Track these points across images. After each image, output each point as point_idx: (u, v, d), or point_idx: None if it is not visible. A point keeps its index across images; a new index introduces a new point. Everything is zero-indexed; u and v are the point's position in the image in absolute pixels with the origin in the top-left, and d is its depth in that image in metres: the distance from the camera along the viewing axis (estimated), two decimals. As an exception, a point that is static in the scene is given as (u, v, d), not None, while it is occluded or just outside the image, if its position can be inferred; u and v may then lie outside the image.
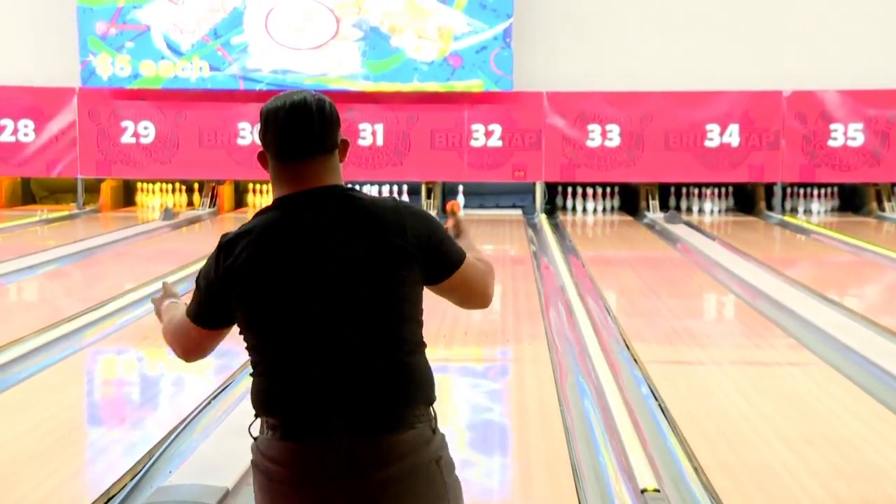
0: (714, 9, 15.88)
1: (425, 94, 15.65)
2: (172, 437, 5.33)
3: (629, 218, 15.66)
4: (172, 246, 12.96)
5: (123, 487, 4.68)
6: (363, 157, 15.67)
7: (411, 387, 2.69)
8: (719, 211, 16.20)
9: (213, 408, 5.86)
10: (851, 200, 16.27)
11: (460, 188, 16.17)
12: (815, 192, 16.15)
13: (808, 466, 4.93)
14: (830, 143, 15.64)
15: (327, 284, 2.63)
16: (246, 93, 15.68)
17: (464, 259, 2.84)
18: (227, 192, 16.35)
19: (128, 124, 15.94)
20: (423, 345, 2.76)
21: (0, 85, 16.02)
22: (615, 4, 15.96)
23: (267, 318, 2.67)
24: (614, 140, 15.75)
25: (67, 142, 15.95)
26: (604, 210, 16.22)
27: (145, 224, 14.76)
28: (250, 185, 16.61)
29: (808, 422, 5.68)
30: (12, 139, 16.03)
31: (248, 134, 15.84)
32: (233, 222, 15.18)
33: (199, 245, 12.82)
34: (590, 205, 16.23)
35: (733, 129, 15.66)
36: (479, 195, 16.14)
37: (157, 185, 16.54)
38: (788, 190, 16.06)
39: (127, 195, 16.79)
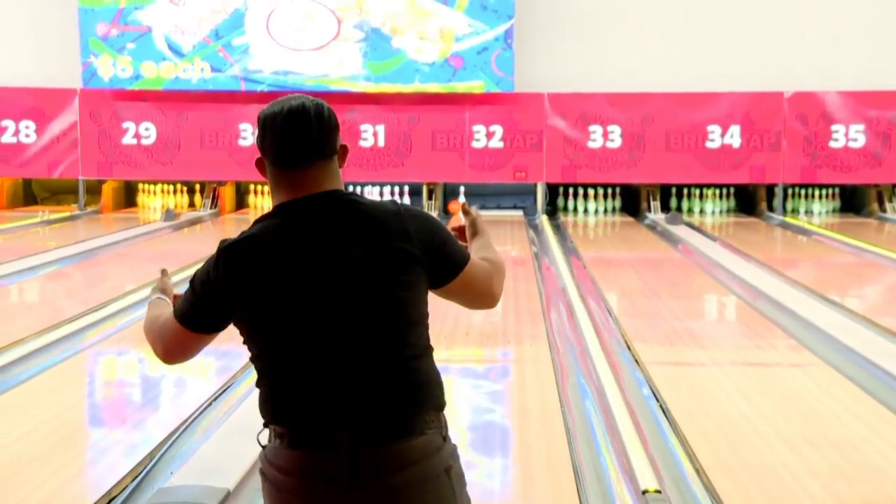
0: (715, 10, 15.88)
1: (426, 96, 15.66)
2: (173, 438, 5.33)
3: (630, 219, 15.66)
4: (174, 247, 12.97)
5: (125, 489, 4.68)
6: (364, 158, 15.68)
7: (419, 391, 2.65)
8: (720, 212, 16.20)
9: (215, 409, 5.86)
10: (852, 201, 16.27)
11: (461, 189, 16.18)
12: (817, 193, 16.15)
13: (809, 467, 4.93)
14: (832, 144, 15.64)
15: (327, 285, 2.61)
16: (247, 94, 15.69)
17: (468, 260, 2.81)
18: (228, 194, 16.35)
19: (129, 125, 15.94)
20: (431, 349, 2.73)
21: (1, 86, 16.03)
22: (616, 5, 15.96)
23: (269, 323, 2.63)
24: (615, 141, 15.75)
25: (69, 143, 15.96)
26: (605, 211, 16.22)
27: (146, 225, 14.76)
28: (251, 187, 16.61)
29: (809, 422, 5.67)
30: (14, 140, 16.04)
31: (250, 135, 15.84)
32: (234, 223, 15.18)
33: (201, 246, 12.82)
34: (591, 206, 16.23)
35: (734, 130, 15.66)
36: (481, 196, 16.13)
37: (159, 187, 16.54)
38: (789, 191, 16.06)
39: (128, 196, 16.79)
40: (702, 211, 16.17)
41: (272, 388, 2.66)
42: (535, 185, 15.96)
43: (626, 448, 5.10)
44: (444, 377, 2.74)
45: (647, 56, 15.85)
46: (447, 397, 2.75)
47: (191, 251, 11.72)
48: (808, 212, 16.05)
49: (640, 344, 7.39)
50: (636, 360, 6.94)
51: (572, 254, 11.97)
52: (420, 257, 2.67)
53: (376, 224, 2.66)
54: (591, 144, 15.77)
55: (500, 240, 12.95)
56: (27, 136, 16.02)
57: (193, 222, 15.20)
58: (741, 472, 4.87)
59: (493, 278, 2.91)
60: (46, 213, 15.44)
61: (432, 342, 2.75)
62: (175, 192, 16.50)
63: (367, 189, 15.77)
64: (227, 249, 2.67)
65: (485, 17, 15.38)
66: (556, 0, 15.94)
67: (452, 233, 3.17)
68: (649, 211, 15.69)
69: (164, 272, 3.14)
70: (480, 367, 6.97)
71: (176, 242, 13.42)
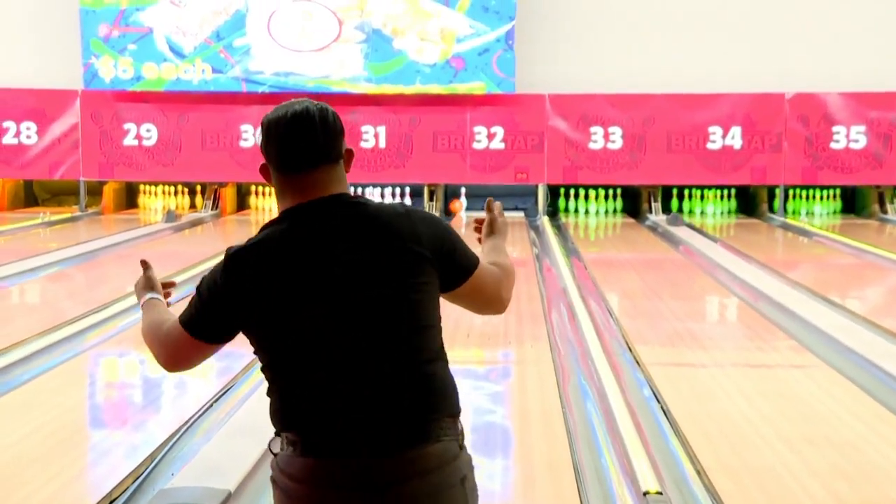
0: (716, 11, 15.89)
1: (428, 97, 15.66)
2: (175, 439, 5.33)
3: (631, 220, 15.66)
4: (175, 248, 12.97)
5: (125, 490, 4.68)
6: (365, 159, 15.67)
7: (433, 397, 2.60)
8: (721, 213, 16.20)
9: (216, 410, 5.86)
10: (853, 203, 16.27)
11: (462, 190, 16.19)
12: (818, 194, 16.15)
13: (810, 468, 4.93)
14: (833, 145, 15.64)
15: (333, 289, 2.56)
16: (248, 95, 15.69)
17: (477, 264, 2.78)
18: (229, 195, 16.36)
19: (130, 126, 15.95)
20: (445, 354, 2.67)
21: (2, 87, 16.04)
22: (617, 7, 15.97)
23: (277, 330, 2.59)
24: (616, 142, 15.75)
25: (70, 144, 15.96)
26: (606, 212, 16.23)
27: (148, 226, 14.76)
28: (253, 188, 16.63)
29: (810, 423, 5.67)
30: (15, 141, 16.04)
31: (251, 136, 15.84)
32: (235, 225, 15.19)
33: (202, 247, 12.83)
34: (592, 207, 16.23)
35: (735, 131, 15.66)
36: (482, 197, 16.09)
37: (160, 188, 16.55)
38: (790, 192, 16.06)
39: (129, 197, 16.80)
40: (703, 212, 16.17)
41: (283, 395, 2.62)
42: (537, 187, 15.96)
43: (627, 449, 5.10)
44: (444, 378, 2.72)
45: (648, 57, 15.85)
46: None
47: (192, 252, 11.72)
48: (809, 213, 16.05)
49: (642, 345, 7.39)
50: (637, 362, 6.94)
51: (573, 255, 11.98)
52: (431, 259, 2.64)
53: (384, 226, 2.62)
54: (592, 145, 15.78)
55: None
56: (28, 137, 16.02)
57: (194, 223, 15.20)
58: (742, 473, 4.87)
59: (503, 283, 2.88)
60: (47, 214, 15.44)
61: (433, 342, 2.70)
62: (176, 193, 16.50)
63: (369, 190, 15.78)
64: (234, 256, 2.63)
65: (486, 19, 15.38)
66: (557, 1, 15.94)
67: (473, 224, 3.13)
68: (650, 212, 15.69)
69: (145, 265, 3.05)
70: (481, 369, 6.97)
71: (177, 244, 13.42)
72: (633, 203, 16.30)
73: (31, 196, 16.97)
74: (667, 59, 15.82)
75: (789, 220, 15.35)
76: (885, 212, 15.66)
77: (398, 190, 16.07)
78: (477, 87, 15.52)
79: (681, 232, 13.84)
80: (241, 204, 16.65)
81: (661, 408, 5.89)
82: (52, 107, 15.94)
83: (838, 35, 15.76)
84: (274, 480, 2.64)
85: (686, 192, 16.19)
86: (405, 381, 2.57)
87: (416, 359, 2.60)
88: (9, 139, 16.04)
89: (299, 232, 2.61)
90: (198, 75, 15.64)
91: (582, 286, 9.73)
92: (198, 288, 2.69)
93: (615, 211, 16.25)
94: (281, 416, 2.62)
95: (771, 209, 15.91)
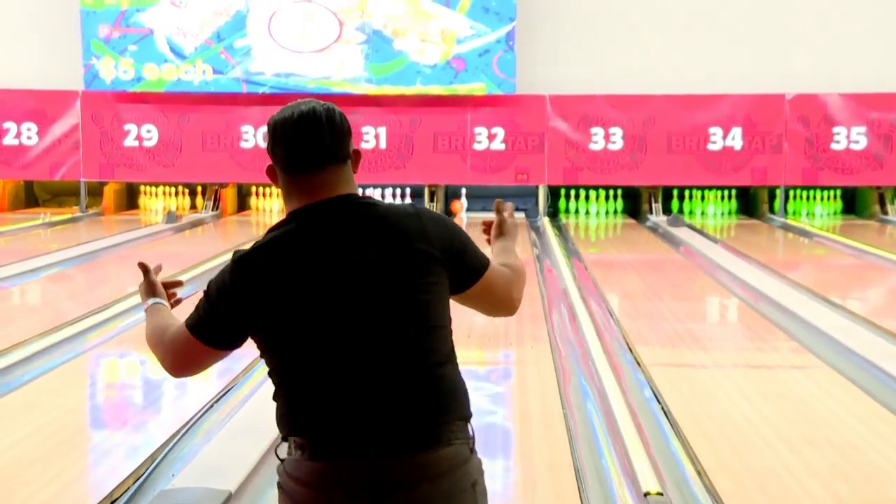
0: (716, 11, 15.88)
1: (428, 98, 15.66)
2: (175, 440, 5.33)
3: (632, 221, 15.65)
4: (175, 249, 12.97)
5: (126, 491, 4.68)
6: (366, 160, 15.51)
7: (444, 400, 2.58)
8: (722, 214, 16.20)
9: (216, 411, 5.86)
10: (854, 203, 16.27)
11: (463, 191, 16.19)
12: (818, 195, 16.15)
13: (811, 468, 4.93)
14: (833, 146, 15.64)
15: (340, 290, 2.54)
16: (249, 96, 15.69)
17: (488, 265, 2.76)
18: (230, 196, 16.36)
19: (131, 127, 15.95)
20: (455, 356, 2.65)
21: (3, 88, 16.03)
22: (618, 8, 15.97)
23: (285, 332, 2.56)
24: (617, 143, 15.74)
25: (70, 145, 15.96)
26: (606, 213, 16.22)
27: (148, 227, 14.76)
28: (253, 189, 16.63)
29: (811, 424, 5.67)
30: (15, 142, 16.04)
31: (252, 137, 15.85)
32: (236, 225, 15.19)
33: (203, 248, 12.84)
34: (592, 208, 16.23)
35: (736, 132, 15.66)
36: (482, 198, 16.12)
37: (160, 189, 16.54)
38: (791, 193, 16.05)
39: (130, 198, 16.79)
40: (703, 213, 16.16)
41: (290, 398, 2.59)
42: (537, 187, 15.96)
43: (627, 450, 5.10)
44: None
45: (649, 58, 15.85)
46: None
47: (193, 253, 11.72)
48: (810, 214, 16.04)
49: (642, 346, 7.39)
50: (638, 362, 6.94)
51: (574, 255, 11.98)
52: (441, 259, 2.61)
53: (392, 226, 2.60)
54: (592, 146, 15.77)
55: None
56: (29, 138, 16.02)
57: (195, 224, 15.20)
58: (743, 474, 4.87)
59: (514, 284, 2.85)
60: (48, 215, 15.44)
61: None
62: (177, 194, 16.50)
63: (369, 191, 15.76)
64: (242, 259, 2.60)
65: (486, 20, 15.38)
66: (557, 2, 15.94)
67: (480, 225, 3.11)
68: (651, 213, 15.69)
69: (145, 270, 3.00)
70: (482, 369, 6.97)
71: (177, 244, 13.42)
72: (633, 204, 16.31)
73: (31, 197, 16.97)
74: (667, 60, 15.82)
75: (790, 221, 15.35)
76: (885, 213, 15.65)
77: (398, 191, 16.07)
78: (477, 87, 15.52)
79: (681, 233, 13.84)
80: (242, 205, 16.65)
81: (662, 409, 5.89)
82: (52, 108, 15.94)
83: (839, 36, 15.76)
84: (280, 486, 2.61)
85: (686, 192, 16.19)
86: (414, 382, 2.54)
87: (426, 360, 2.57)
88: (9, 140, 16.04)
89: (307, 233, 2.59)
90: (198, 76, 15.64)
91: (582, 287, 9.73)
92: (205, 292, 2.66)
93: (616, 212, 16.25)
94: (288, 419, 2.60)
95: (771, 210, 15.91)
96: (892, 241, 13.89)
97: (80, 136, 15.93)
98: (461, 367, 2.74)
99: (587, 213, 16.20)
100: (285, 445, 2.62)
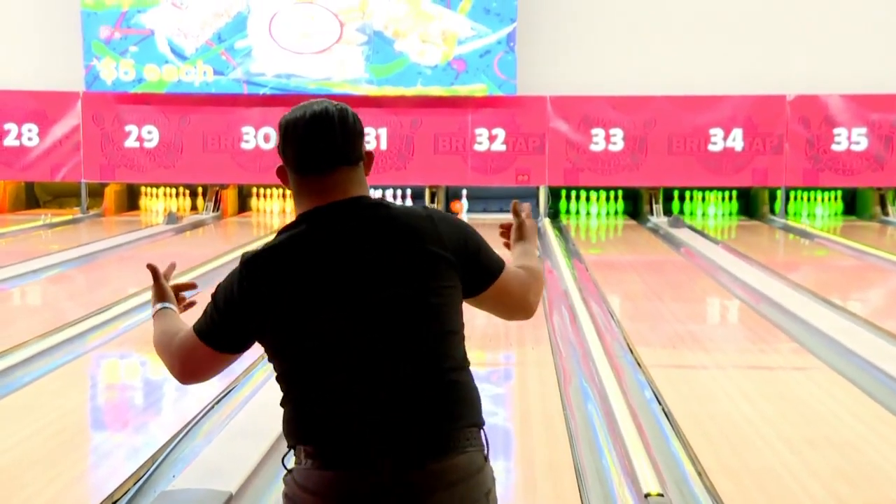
0: (717, 13, 15.88)
1: (429, 99, 15.66)
2: (176, 441, 5.33)
3: (633, 222, 15.66)
4: (176, 250, 12.96)
5: (127, 492, 4.68)
6: (367, 161, 15.64)
7: (459, 406, 2.52)
8: (722, 215, 16.19)
9: (217, 412, 5.86)
10: (854, 204, 16.27)
11: (464, 192, 16.19)
12: (819, 196, 16.14)
13: (811, 469, 4.93)
14: (834, 147, 15.64)
15: (350, 292, 2.48)
16: (250, 97, 15.69)
17: (503, 268, 2.70)
18: (230, 197, 16.36)
19: (132, 128, 15.95)
20: (468, 362, 2.59)
21: (4, 89, 16.04)
22: (618, 9, 15.97)
23: (295, 335, 2.50)
24: (618, 144, 15.75)
25: (71, 146, 15.97)
26: (607, 214, 16.23)
27: (149, 228, 14.76)
28: (254, 190, 16.62)
29: (811, 425, 5.67)
30: (16, 143, 16.05)
31: (252, 138, 15.85)
32: (236, 226, 15.19)
33: (203, 249, 12.83)
34: (593, 209, 16.23)
35: (737, 133, 15.66)
36: (483, 199, 16.13)
37: (161, 190, 16.55)
38: (792, 194, 16.05)
39: (130, 199, 16.80)
40: (704, 214, 16.16)
41: (299, 404, 2.53)
42: (538, 188, 15.96)
43: (628, 451, 5.10)
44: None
45: (650, 59, 15.85)
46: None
47: (193, 254, 11.72)
48: (811, 215, 16.04)
49: (643, 347, 7.39)
50: (638, 363, 6.94)
51: (575, 257, 11.98)
52: (454, 262, 2.56)
53: (404, 228, 2.55)
54: (593, 147, 15.78)
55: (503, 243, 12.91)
56: (30, 139, 16.02)
57: (196, 225, 15.21)
58: (743, 475, 4.87)
59: (530, 287, 2.79)
60: (49, 216, 15.44)
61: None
62: (177, 195, 16.51)
63: (369, 192, 15.74)
64: (250, 262, 2.55)
65: (487, 21, 15.38)
66: (558, 3, 15.94)
67: (498, 229, 3.06)
68: (652, 214, 15.69)
69: (154, 273, 2.94)
70: (483, 370, 6.96)
71: (178, 245, 13.42)
72: (634, 205, 16.31)
73: (32, 198, 16.97)
74: (668, 61, 15.82)
75: (790, 222, 15.35)
76: (886, 214, 15.66)
77: (399, 192, 16.07)
78: (478, 88, 15.52)
79: (682, 234, 13.84)
80: (243, 206, 16.65)
81: (663, 409, 5.89)
82: (53, 109, 15.95)
83: (839, 37, 15.76)
84: (287, 496, 2.54)
85: (687, 193, 16.19)
86: (427, 387, 2.49)
87: (438, 365, 2.51)
88: (10, 141, 16.04)
89: (317, 235, 2.54)
90: (199, 77, 15.64)
91: (583, 288, 9.72)
92: (213, 296, 2.61)
93: (616, 213, 16.25)
94: (297, 426, 2.53)
95: (772, 211, 15.91)
96: (893, 243, 13.89)
97: (80, 137, 15.94)
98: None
99: (588, 214, 16.20)
100: (292, 455, 2.56)
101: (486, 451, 2.58)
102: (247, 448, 4.95)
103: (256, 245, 2.65)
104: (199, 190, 16.46)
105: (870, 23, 15.76)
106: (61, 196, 16.81)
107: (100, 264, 11.70)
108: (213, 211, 16.12)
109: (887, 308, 9.53)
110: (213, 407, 5.92)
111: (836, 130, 15.60)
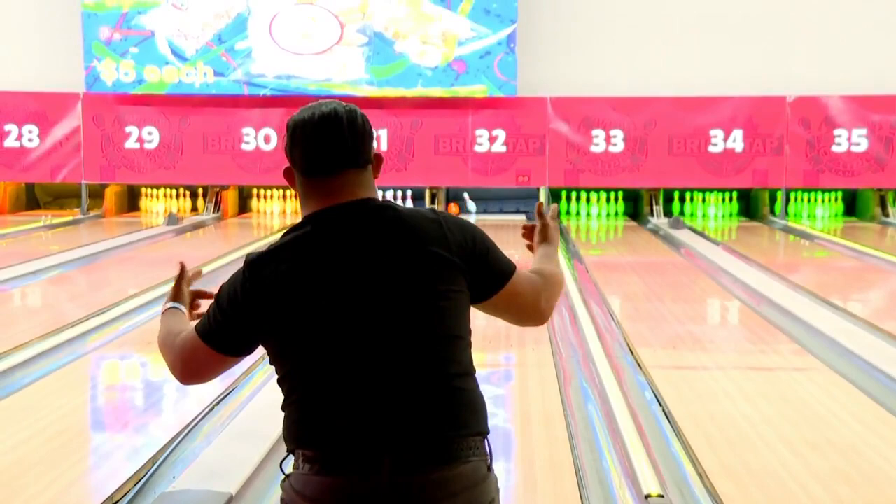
0: (718, 14, 15.89)
1: (429, 100, 15.66)
2: (176, 442, 5.33)
3: (633, 223, 15.66)
4: (176, 251, 12.96)
5: (127, 493, 4.68)
6: (367, 162, 15.64)
7: (463, 414, 2.47)
8: (723, 216, 16.19)
9: (217, 413, 5.85)
10: (855, 206, 16.27)
11: (465, 194, 16.19)
12: (819, 197, 16.14)
13: (812, 471, 4.93)
14: (834, 148, 15.64)
15: (356, 295, 2.44)
16: (250, 98, 15.69)
17: (514, 271, 2.64)
18: (231, 198, 16.36)
19: (132, 129, 15.96)
20: (474, 368, 2.55)
21: (4, 90, 16.04)
22: (619, 10, 15.97)
23: (298, 337, 2.46)
24: (618, 145, 15.75)
25: (72, 147, 15.97)
26: (607, 215, 16.22)
27: (149, 229, 14.77)
28: (254, 191, 16.62)
29: (812, 426, 5.67)
30: (16, 144, 16.05)
31: (252, 139, 15.85)
32: (237, 227, 15.19)
33: (204, 250, 12.83)
34: (593, 210, 16.23)
35: (737, 134, 15.66)
36: (483, 200, 16.14)
37: (161, 191, 16.55)
38: (792, 195, 16.05)
39: (131, 200, 16.79)
40: (704, 215, 16.16)
41: (300, 408, 2.48)
42: (538, 189, 15.96)
43: (628, 452, 5.10)
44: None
45: (650, 60, 15.86)
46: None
47: (194, 255, 11.71)
48: (811, 216, 16.04)
49: (643, 348, 7.39)
50: (639, 364, 6.94)
51: (575, 257, 11.98)
52: (461, 266, 2.51)
53: (411, 231, 2.50)
54: (593, 148, 15.78)
55: (503, 244, 12.87)
56: (30, 140, 16.03)
57: (196, 226, 15.21)
58: (744, 476, 4.87)
59: (542, 292, 2.72)
60: (49, 217, 15.44)
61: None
62: (178, 196, 16.51)
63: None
64: (254, 263, 2.51)
65: (488, 22, 15.39)
66: (558, 4, 15.95)
67: (521, 230, 3.00)
68: (652, 215, 15.69)
69: (181, 272, 2.89)
70: (483, 371, 6.93)
71: (178, 247, 13.42)
72: (634, 206, 16.31)
73: (32, 199, 16.97)
74: (668, 62, 15.82)
75: (791, 223, 15.35)
76: (886, 215, 15.66)
77: (399, 193, 16.08)
78: (478, 90, 15.52)
79: (682, 235, 13.84)
80: (243, 207, 16.65)
81: (663, 410, 5.89)
82: (53, 110, 15.96)
83: (840, 38, 15.76)
84: (284, 502, 2.50)
85: (688, 194, 16.19)
86: (429, 392, 2.44)
87: (444, 370, 2.46)
88: (10, 142, 16.05)
89: (322, 236, 2.50)
90: (199, 78, 15.64)
91: (584, 289, 9.73)
92: (216, 297, 2.58)
93: (617, 214, 16.25)
94: (297, 430, 2.48)
95: (772, 212, 15.91)
96: (894, 244, 13.89)
97: (81, 138, 15.94)
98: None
99: (588, 215, 16.20)
100: (291, 459, 2.52)
101: (489, 461, 2.53)
102: (247, 449, 4.95)
103: (257, 246, 2.64)
104: (200, 191, 16.47)
105: (870, 23, 15.77)
106: (62, 197, 16.81)
107: (100, 265, 11.70)
108: (214, 212, 16.12)
109: (888, 309, 9.53)
110: (213, 408, 5.92)
111: (836, 131, 15.60)
